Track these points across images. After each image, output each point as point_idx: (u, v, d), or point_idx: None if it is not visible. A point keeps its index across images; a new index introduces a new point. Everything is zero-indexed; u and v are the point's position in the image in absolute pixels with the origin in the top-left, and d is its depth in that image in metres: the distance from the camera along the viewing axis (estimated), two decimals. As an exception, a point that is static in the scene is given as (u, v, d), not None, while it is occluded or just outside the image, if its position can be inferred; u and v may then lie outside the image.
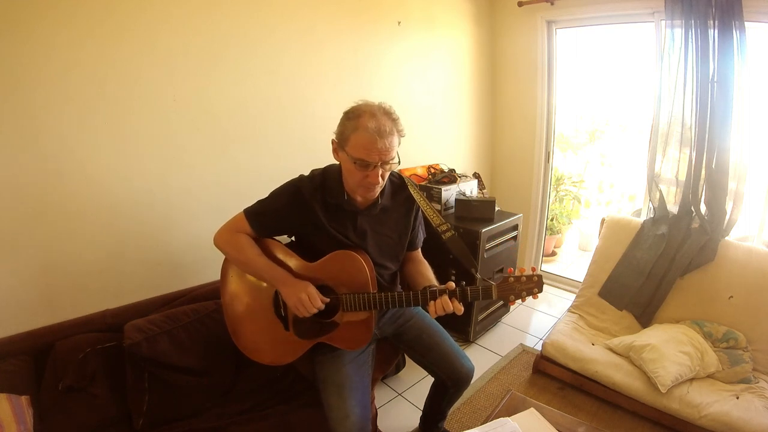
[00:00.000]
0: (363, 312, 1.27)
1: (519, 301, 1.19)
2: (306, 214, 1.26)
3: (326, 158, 1.35)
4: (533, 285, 1.17)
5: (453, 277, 2.14)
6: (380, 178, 1.18)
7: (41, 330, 1.39)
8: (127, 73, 1.51)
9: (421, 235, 1.47)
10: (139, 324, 1.40)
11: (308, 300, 1.20)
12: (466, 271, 1.31)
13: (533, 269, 1.18)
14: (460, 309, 1.18)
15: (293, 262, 1.30)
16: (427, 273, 1.39)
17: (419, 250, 1.48)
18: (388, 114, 1.16)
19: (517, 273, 1.18)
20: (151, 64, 1.56)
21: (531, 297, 1.18)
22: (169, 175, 1.69)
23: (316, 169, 1.33)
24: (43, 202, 1.41)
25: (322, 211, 1.26)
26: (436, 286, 1.24)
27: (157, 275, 1.70)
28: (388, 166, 1.18)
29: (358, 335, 1.30)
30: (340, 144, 1.20)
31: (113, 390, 1.37)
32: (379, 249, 1.33)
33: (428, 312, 1.22)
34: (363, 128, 1.12)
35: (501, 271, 2.47)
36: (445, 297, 1.17)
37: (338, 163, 1.27)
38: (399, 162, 1.21)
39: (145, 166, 1.62)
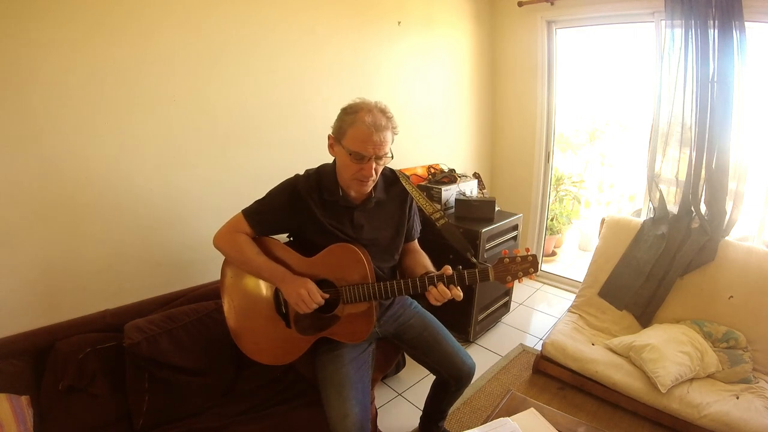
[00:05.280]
0: (363, 304, 1.28)
1: (516, 282, 1.20)
2: (303, 211, 1.28)
3: (326, 158, 1.36)
4: (528, 265, 1.19)
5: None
6: (373, 172, 1.22)
7: (41, 330, 1.39)
8: (127, 73, 1.51)
9: (417, 226, 1.49)
10: (139, 324, 1.40)
11: (308, 295, 1.22)
12: (462, 260, 1.31)
13: (527, 249, 1.21)
14: (459, 295, 1.20)
15: (292, 259, 1.31)
16: (424, 262, 1.41)
17: (416, 241, 1.50)
18: (383, 111, 1.22)
19: (511, 254, 1.20)
20: (151, 64, 1.56)
21: (528, 278, 1.19)
22: (169, 175, 1.69)
23: (311, 169, 1.36)
24: (43, 202, 1.41)
25: (318, 208, 1.28)
26: (434, 272, 1.25)
27: (157, 275, 1.70)
28: (381, 161, 1.24)
29: (359, 328, 1.31)
30: (336, 138, 1.24)
31: (113, 390, 1.37)
32: (376, 243, 1.35)
33: (428, 300, 1.23)
34: (360, 121, 1.18)
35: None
36: (441, 285, 1.19)
37: (332, 161, 1.32)
38: (392, 157, 1.25)
39: (145, 166, 1.62)
